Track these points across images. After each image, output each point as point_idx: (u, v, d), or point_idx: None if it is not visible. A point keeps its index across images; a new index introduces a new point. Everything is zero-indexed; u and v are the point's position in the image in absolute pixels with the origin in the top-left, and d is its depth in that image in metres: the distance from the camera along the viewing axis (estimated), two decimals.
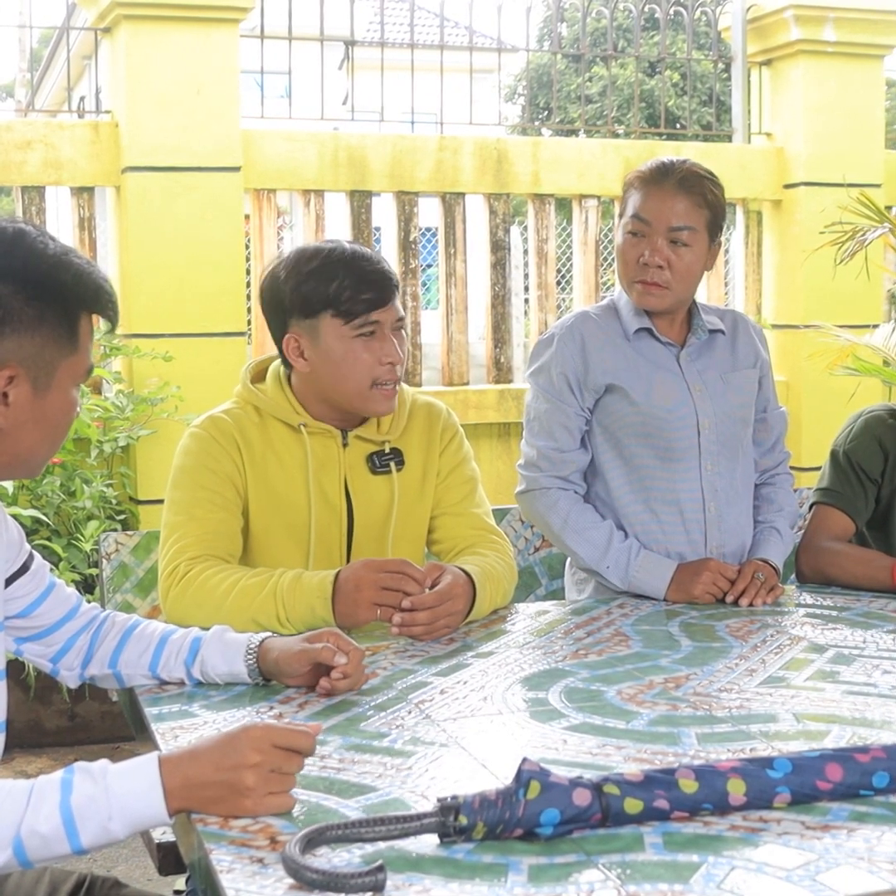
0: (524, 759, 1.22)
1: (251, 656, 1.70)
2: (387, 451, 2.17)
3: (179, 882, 2.42)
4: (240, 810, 1.25)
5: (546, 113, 14.85)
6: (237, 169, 4.52)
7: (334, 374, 2.08)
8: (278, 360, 2.19)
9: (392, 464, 2.17)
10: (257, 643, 1.71)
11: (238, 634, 1.74)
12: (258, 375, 2.22)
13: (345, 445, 2.15)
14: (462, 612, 2.00)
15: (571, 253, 5.49)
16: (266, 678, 1.71)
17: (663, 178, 2.29)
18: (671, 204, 2.28)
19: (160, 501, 2.17)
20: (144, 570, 2.37)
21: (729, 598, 2.25)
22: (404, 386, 2.22)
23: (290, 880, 1.10)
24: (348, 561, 2.13)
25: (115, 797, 1.23)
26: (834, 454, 2.52)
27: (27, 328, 1.43)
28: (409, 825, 1.16)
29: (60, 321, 1.45)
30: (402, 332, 2.12)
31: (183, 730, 1.53)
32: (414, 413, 2.23)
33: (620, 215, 2.36)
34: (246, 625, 1.87)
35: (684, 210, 2.27)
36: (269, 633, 1.74)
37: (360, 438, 2.17)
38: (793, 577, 2.53)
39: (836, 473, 2.50)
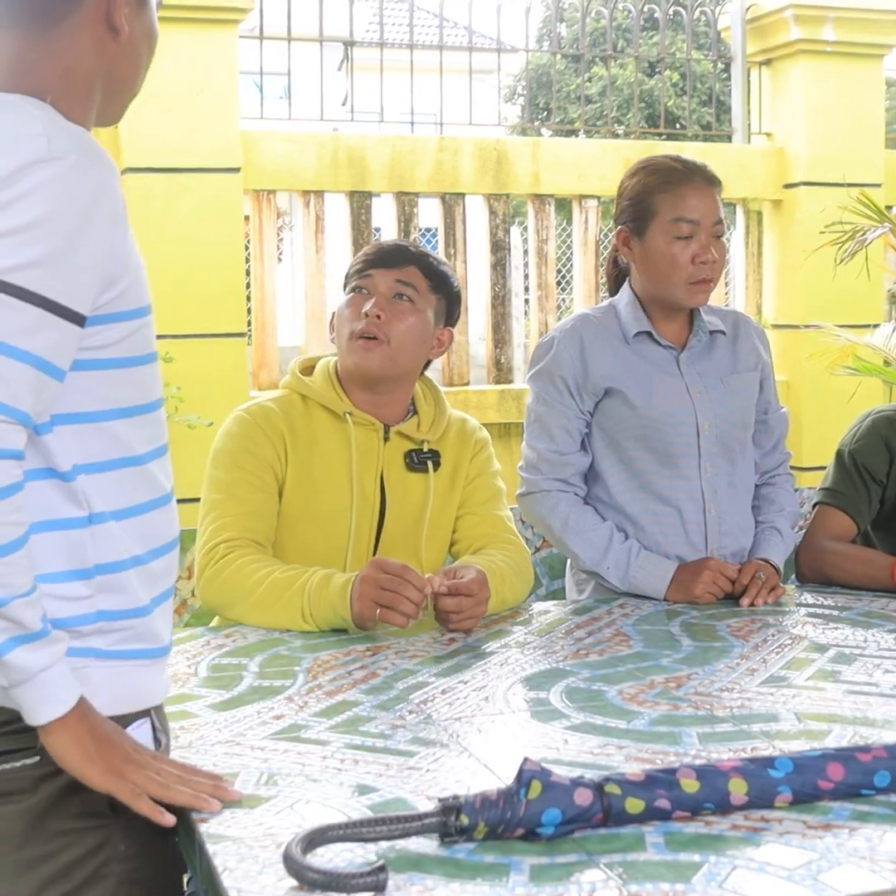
0: (525, 759, 1.22)
1: None
2: (425, 450, 2.22)
3: None
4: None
5: (546, 113, 14.86)
6: (237, 170, 4.52)
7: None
8: (326, 358, 2.27)
9: (429, 463, 2.21)
10: None
11: None
12: (306, 371, 2.28)
13: (386, 440, 2.19)
14: (483, 604, 2.01)
15: (571, 253, 5.50)
16: None
17: (691, 176, 2.28)
18: (708, 199, 2.28)
19: None
20: None
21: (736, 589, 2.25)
22: (443, 397, 2.30)
23: (292, 880, 1.09)
24: (375, 554, 2.16)
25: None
26: (839, 454, 2.51)
27: None
28: (410, 825, 1.16)
29: None
30: (404, 303, 2.16)
31: (183, 730, 1.52)
32: (451, 422, 2.29)
33: (635, 219, 2.30)
34: (269, 616, 1.97)
35: (719, 203, 2.30)
36: None
37: (401, 435, 2.21)
38: (793, 577, 2.53)
39: (841, 474, 2.49)
